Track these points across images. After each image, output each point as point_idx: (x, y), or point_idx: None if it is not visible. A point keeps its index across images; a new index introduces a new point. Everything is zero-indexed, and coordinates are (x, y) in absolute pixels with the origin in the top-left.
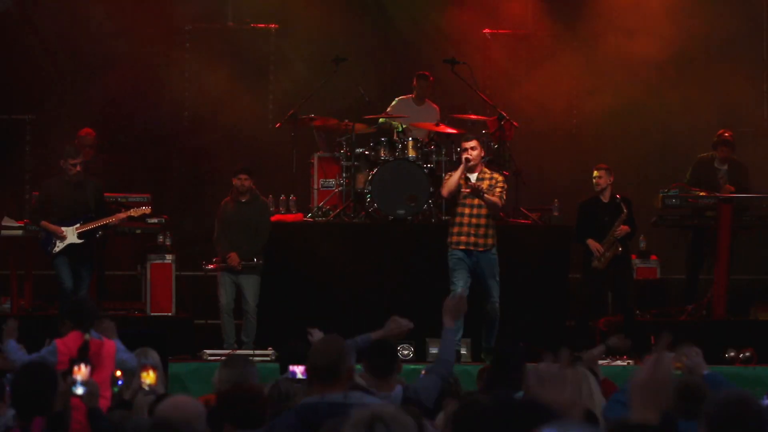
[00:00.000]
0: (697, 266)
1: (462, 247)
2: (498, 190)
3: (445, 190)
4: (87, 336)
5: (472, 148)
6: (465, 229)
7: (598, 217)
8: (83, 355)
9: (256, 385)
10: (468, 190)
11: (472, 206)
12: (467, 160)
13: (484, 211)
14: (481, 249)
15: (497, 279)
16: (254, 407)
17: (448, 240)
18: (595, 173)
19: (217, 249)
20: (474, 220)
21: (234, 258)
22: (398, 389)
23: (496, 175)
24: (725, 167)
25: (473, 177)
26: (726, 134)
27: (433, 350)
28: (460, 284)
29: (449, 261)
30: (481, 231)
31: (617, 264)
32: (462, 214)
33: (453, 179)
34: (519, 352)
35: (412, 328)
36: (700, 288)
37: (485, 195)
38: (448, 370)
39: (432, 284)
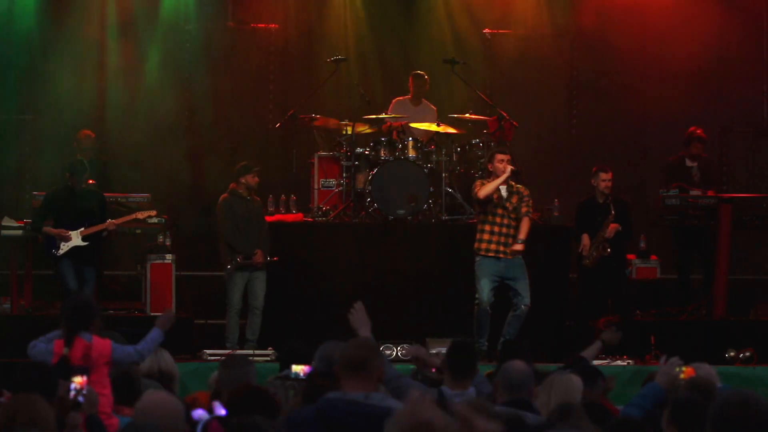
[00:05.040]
0: (687, 266)
1: (492, 254)
2: (524, 208)
3: (483, 193)
4: (66, 350)
5: (508, 161)
6: (495, 237)
7: (592, 218)
8: (62, 369)
9: (263, 387)
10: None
11: (502, 216)
12: (513, 171)
13: (514, 223)
14: (510, 257)
15: (527, 281)
16: (268, 408)
17: (477, 246)
18: (605, 176)
19: (235, 247)
20: (504, 230)
21: (261, 255)
22: (471, 390)
23: (521, 188)
24: (696, 164)
25: (503, 189)
26: (698, 131)
27: (433, 350)
28: (486, 291)
29: (477, 267)
30: (510, 240)
31: (610, 265)
32: (493, 223)
33: (492, 186)
34: (525, 351)
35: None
36: (694, 287)
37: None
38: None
39: (432, 284)
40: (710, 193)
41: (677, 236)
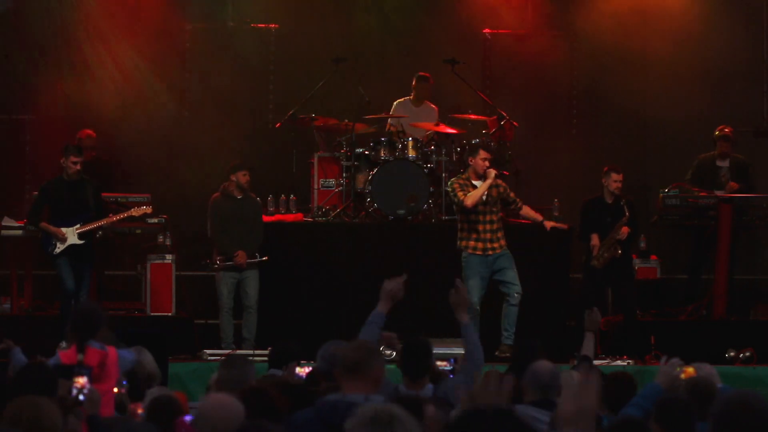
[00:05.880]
0: (699, 266)
1: (479, 252)
2: (515, 198)
3: (471, 201)
4: (80, 356)
5: (491, 160)
6: (482, 235)
7: (601, 218)
8: (78, 371)
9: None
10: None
11: (484, 213)
12: (495, 176)
13: (496, 218)
14: (498, 251)
15: (515, 270)
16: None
17: (464, 245)
18: (617, 177)
19: (217, 246)
20: (488, 226)
21: (243, 256)
22: (429, 388)
23: (500, 182)
24: (726, 164)
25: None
26: (726, 129)
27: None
28: (475, 293)
29: (465, 267)
30: (496, 236)
31: (618, 265)
32: (476, 222)
33: (479, 193)
34: (536, 350)
35: (405, 280)
36: (701, 288)
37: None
38: (478, 369)
39: (432, 284)
40: (734, 185)
41: (695, 236)
